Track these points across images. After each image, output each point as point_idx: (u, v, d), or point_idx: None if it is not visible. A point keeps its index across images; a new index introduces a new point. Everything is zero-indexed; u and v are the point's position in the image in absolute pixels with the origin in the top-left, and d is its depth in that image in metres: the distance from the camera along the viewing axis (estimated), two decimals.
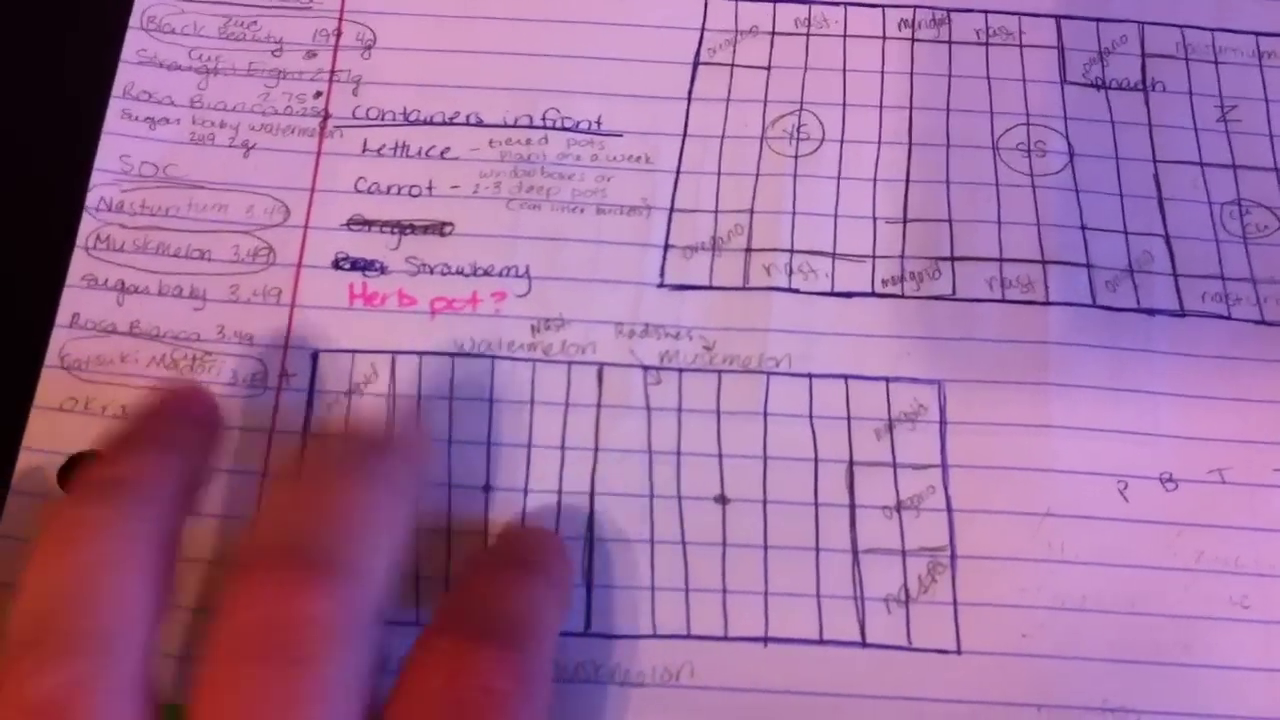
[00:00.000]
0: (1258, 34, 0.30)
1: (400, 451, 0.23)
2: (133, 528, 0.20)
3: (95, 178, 0.29)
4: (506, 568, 0.24)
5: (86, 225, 0.28)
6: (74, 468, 0.26)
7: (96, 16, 0.30)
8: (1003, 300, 0.28)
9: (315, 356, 0.27)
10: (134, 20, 0.30)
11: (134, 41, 0.30)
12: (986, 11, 0.30)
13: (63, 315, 0.27)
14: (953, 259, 0.28)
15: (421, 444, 0.25)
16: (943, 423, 0.27)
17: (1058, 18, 0.30)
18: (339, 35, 0.30)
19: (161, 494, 0.21)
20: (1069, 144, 0.29)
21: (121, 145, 0.29)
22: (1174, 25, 0.30)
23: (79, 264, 0.28)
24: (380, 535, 0.21)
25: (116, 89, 0.30)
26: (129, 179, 0.29)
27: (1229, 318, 0.28)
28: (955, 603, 0.25)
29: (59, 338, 0.27)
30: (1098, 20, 0.30)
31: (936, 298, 0.28)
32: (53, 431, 0.26)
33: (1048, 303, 0.28)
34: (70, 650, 0.19)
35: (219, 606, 0.19)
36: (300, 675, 0.18)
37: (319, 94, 0.30)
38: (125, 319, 0.27)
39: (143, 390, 0.27)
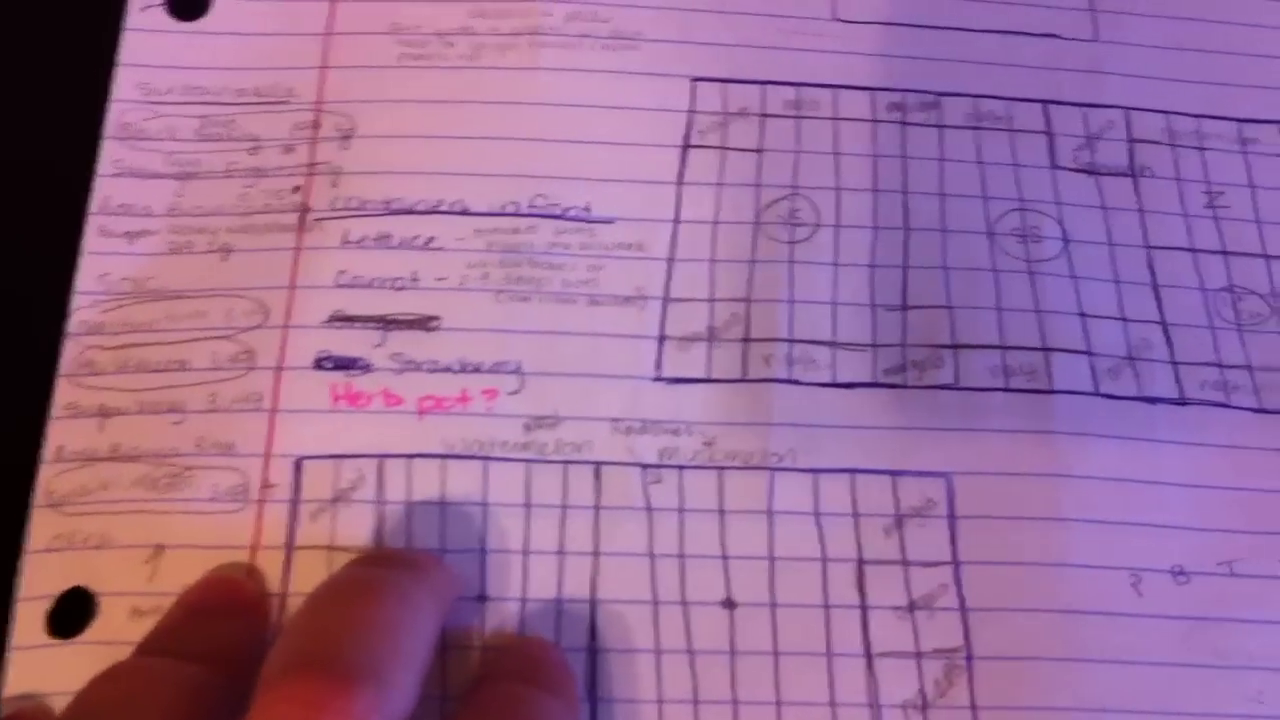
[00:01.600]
0: (1240, 120, 0.30)
1: (427, 571, 0.23)
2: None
3: (77, 300, 0.27)
4: (520, 681, 0.23)
5: (69, 350, 0.27)
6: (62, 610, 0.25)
7: (71, 127, 0.29)
8: (1007, 389, 0.27)
9: (298, 464, 0.26)
10: (109, 129, 0.29)
11: (110, 152, 0.29)
12: (976, 96, 0.30)
13: (48, 450, 0.26)
14: (954, 347, 0.28)
15: (446, 569, 0.25)
16: (952, 517, 0.26)
17: (1045, 103, 0.30)
18: (317, 127, 0.29)
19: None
20: (1063, 229, 0.29)
21: (101, 264, 0.27)
22: (1159, 111, 0.30)
23: (63, 393, 0.26)
24: (408, 649, 0.20)
25: (94, 205, 0.28)
26: (109, 297, 0.27)
27: (1228, 405, 0.28)
28: (974, 706, 0.25)
29: (45, 473, 0.26)
30: (1085, 106, 0.30)
31: (940, 387, 0.27)
32: (42, 574, 0.25)
33: (1052, 391, 0.27)
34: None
35: (250, 715, 0.19)
36: None
37: (297, 188, 0.29)
38: (106, 443, 0.26)
39: (122, 516, 0.25)
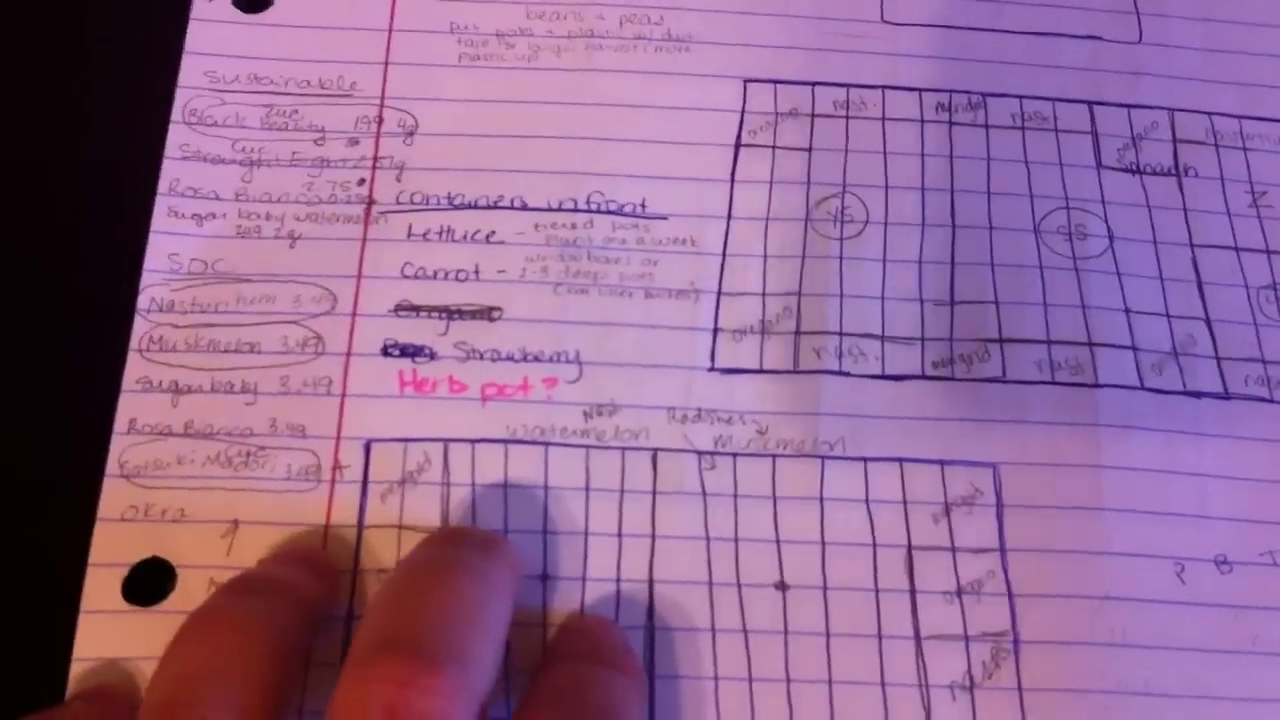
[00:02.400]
0: None
1: (501, 551, 0.23)
2: (274, 620, 0.22)
3: (145, 279, 0.28)
4: (587, 662, 0.23)
5: (139, 327, 0.28)
6: (138, 578, 0.26)
7: (138, 112, 0.30)
8: (1053, 382, 0.28)
9: (368, 446, 0.27)
10: (175, 114, 0.30)
11: (176, 136, 0.30)
12: (1021, 96, 0.31)
13: (120, 422, 0.27)
14: (1001, 341, 0.29)
15: (514, 547, 0.25)
16: (999, 506, 0.27)
17: (1090, 103, 0.31)
18: (380, 122, 0.30)
19: (302, 599, 0.23)
20: (1108, 227, 0.30)
21: (169, 244, 0.29)
22: (1203, 112, 0.31)
23: (134, 367, 0.27)
24: (488, 628, 0.21)
25: (162, 186, 0.29)
26: (178, 277, 0.28)
27: (1271, 400, 0.28)
28: (1020, 688, 0.25)
29: (117, 445, 0.27)
30: (1129, 107, 0.31)
31: (987, 380, 0.28)
32: (116, 542, 0.26)
33: (1097, 385, 0.28)
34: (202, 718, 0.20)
35: (335, 699, 0.20)
36: None
37: (362, 180, 0.30)
38: (180, 420, 0.27)
39: (199, 492, 0.26)
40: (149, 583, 0.26)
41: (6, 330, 0.28)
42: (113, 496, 0.26)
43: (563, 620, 0.26)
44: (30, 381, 0.28)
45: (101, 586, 0.25)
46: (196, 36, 0.31)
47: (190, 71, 0.31)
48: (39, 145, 0.30)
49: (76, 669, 0.25)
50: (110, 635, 0.25)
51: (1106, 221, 0.30)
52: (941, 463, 0.27)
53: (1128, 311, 0.29)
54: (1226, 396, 0.28)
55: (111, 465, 0.27)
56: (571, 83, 0.31)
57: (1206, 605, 0.26)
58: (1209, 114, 0.31)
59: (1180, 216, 0.30)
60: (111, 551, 0.26)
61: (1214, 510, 0.27)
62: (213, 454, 0.27)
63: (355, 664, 0.20)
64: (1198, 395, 0.28)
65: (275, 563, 0.25)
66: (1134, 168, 0.30)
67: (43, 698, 0.25)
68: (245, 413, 0.27)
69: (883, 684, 0.26)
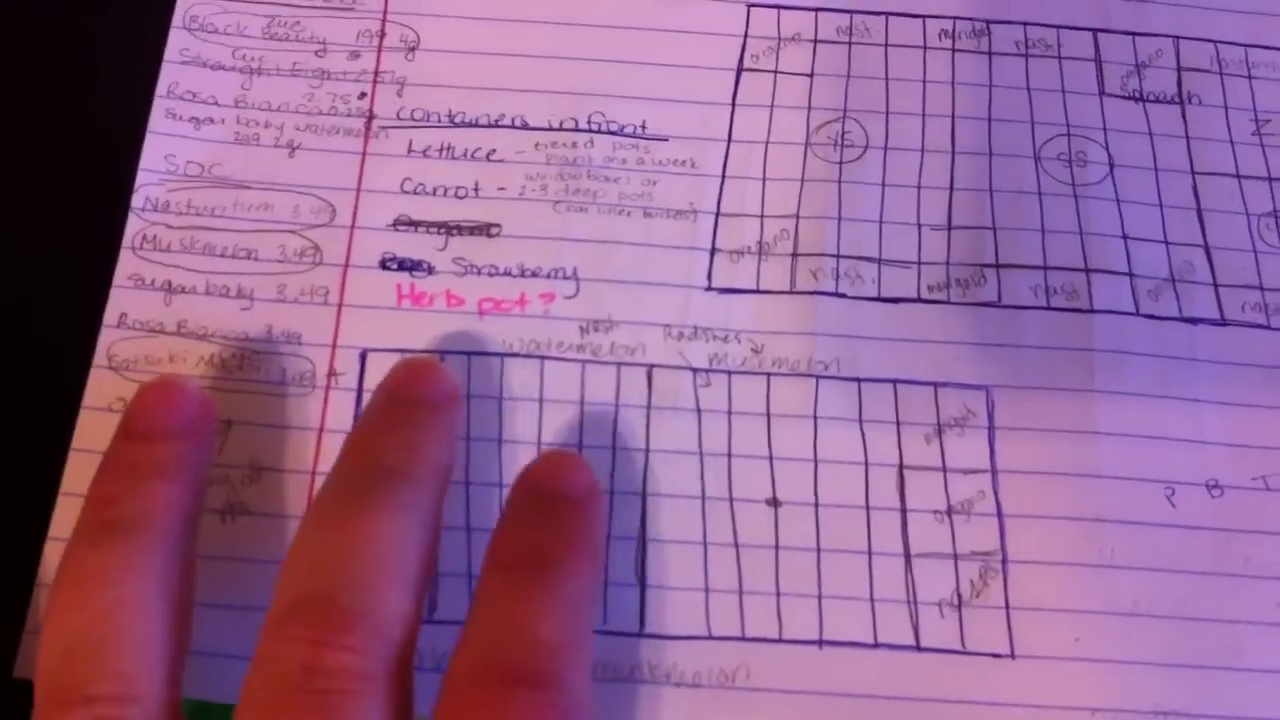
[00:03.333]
0: None
1: (421, 471, 0.22)
2: (147, 571, 0.21)
3: (141, 178, 0.28)
4: (528, 578, 0.22)
5: (133, 225, 0.28)
6: None
7: (138, 15, 0.30)
8: (1048, 308, 0.28)
9: (364, 356, 0.27)
10: (176, 19, 0.30)
11: (177, 41, 0.30)
12: (1025, 24, 0.31)
13: (110, 315, 0.27)
14: (998, 266, 0.28)
15: (444, 441, 0.24)
16: (991, 428, 0.27)
17: (1095, 31, 0.31)
18: (382, 36, 0.30)
19: (168, 529, 0.22)
20: (1109, 155, 0.30)
21: (166, 145, 0.29)
22: (1208, 40, 0.31)
23: (126, 264, 0.28)
24: (403, 572, 0.21)
25: (160, 88, 0.29)
26: (174, 179, 0.28)
27: (1269, 327, 0.28)
28: (1008, 607, 0.26)
29: (106, 337, 0.27)
30: (1134, 35, 0.31)
31: (982, 304, 0.28)
32: (102, 432, 0.26)
33: (1092, 310, 0.28)
34: (92, 695, 0.20)
35: (255, 657, 0.20)
36: None
37: (363, 95, 0.30)
38: (173, 319, 0.27)
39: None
40: None
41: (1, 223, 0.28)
42: (100, 387, 0.26)
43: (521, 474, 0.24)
44: (20, 276, 0.28)
45: (83, 473, 0.25)
46: None
47: None
48: (38, 45, 0.30)
49: (50, 550, 0.25)
50: None
51: (1107, 149, 0.30)
52: (935, 384, 0.27)
53: (1126, 238, 0.29)
54: (1223, 323, 0.28)
55: (99, 357, 0.27)
56: (575, 3, 0.31)
57: (1197, 528, 0.26)
58: (1214, 42, 0.31)
59: (1182, 144, 0.30)
60: (96, 440, 0.25)
61: (1207, 435, 0.27)
62: (206, 355, 0.27)
63: (272, 623, 0.20)
64: (1194, 321, 0.28)
65: (133, 486, 0.22)
66: (1137, 95, 0.30)
67: (14, 572, 0.25)
68: (241, 317, 0.27)
69: (872, 599, 0.26)
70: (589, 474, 0.23)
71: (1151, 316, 0.28)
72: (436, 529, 0.22)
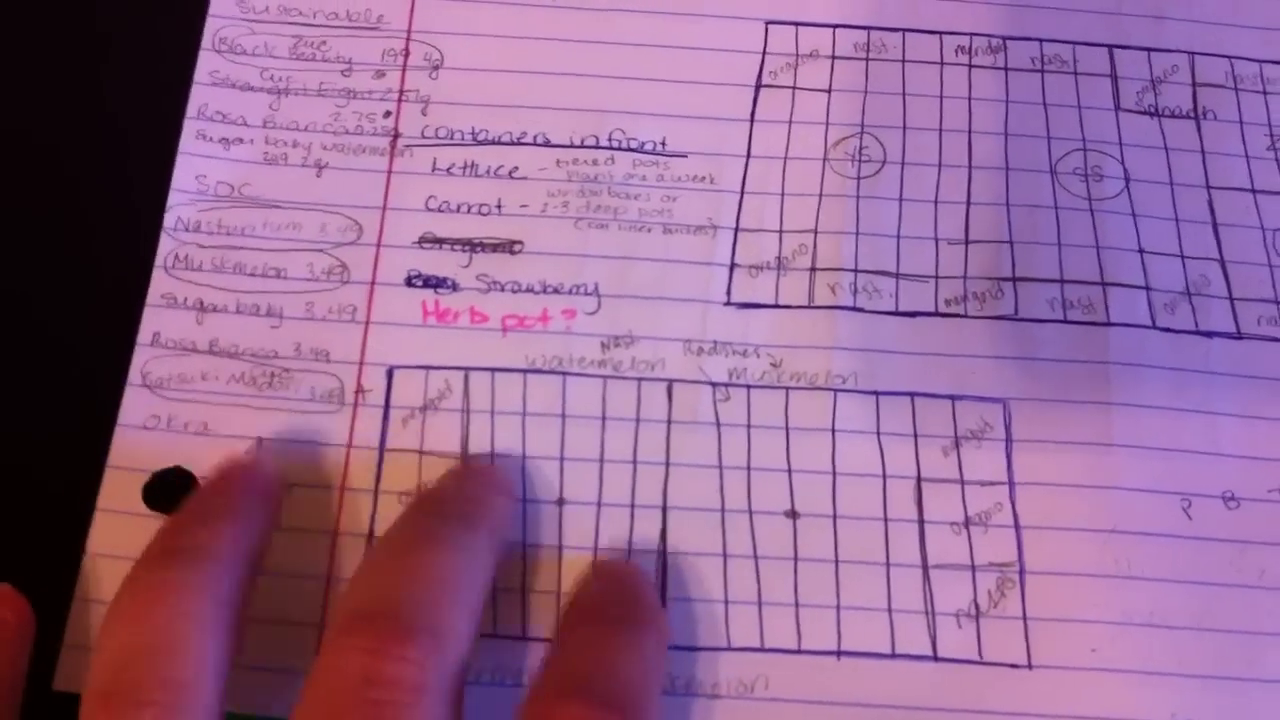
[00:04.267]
0: None
1: (481, 517, 0.24)
2: (205, 589, 0.22)
3: (172, 198, 0.29)
4: (615, 628, 0.23)
5: (165, 245, 0.29)
6: (159, 485, 0.26)
7: (169, 38, 0.31)
8: (1064, 321, 0.28)
9: (390, 373, 0.28)
10: (206, 41, 0.31)
11: (206, 63, 0.30)
12: (1041, 40, 0.31)
13: (144, 334, 0.28)
14: (1014, 280, 0.29)
15: (504, 509, 0.26)
16: (1008, 440, 0.27)
17: (1110, 47, 0.31)
18: (407, 55, 0.31)
19: (230, 560, 0.23)
20: (1125, 169, 0.30)
21: (197, 165, 0.29)
22: (1223, 56, 0.31)
23: (159, 283, 0.28)
24: (463, 598, 0.22)
25: (191, 109, 0.30)
26: (205, 199, 0.29)
27: None
28: (1025, 617, 0.26)
29: (140, 356, 0.28)
30: (1149, 50, 0.31)
31: (1000, 317, 0.28)
32: (137, 449, 0.27)
33: (1108, 323, 0.28)
34: (144, 701, 0.20)
35: (314, 667, 0.21)
36: None
37: (388, 113, 0.30)
38: (205, 337, 0.28)
39: (223, 408, 0.27)
40: (173, 493, 0.26)
41: (37, 242, 0.29)
42: (134, 405, 0.27)
43: (596, 568, 0.26)
44: (55, 295, 0.28)
45: (119, 490, 0.26)
46: None
47: (221, 1, 0.31)
48: (70, 66, 0.31)
49: (88, 564, 0.26)
50: (127, 536, 0.25)
51: (1123, 163, 0.30)
52: (952, 398, 0.28)
53: (1142, 252, 0.29)
54: (1239, 336, 0.28)
55: (134, 375, 0.27)
56: (596, 21, 0.31)
57: (1213, 540, 0.27)
58: (1229, 57, 0.31)
59: (1198, 159, 0.30)
60: (131, 457, 0.26)
61: (1223, 447, 0.27)
62: (237, 373, 0.27)
63: (334, 634, 0.21)
64: (1210, 335, 0.28)
65: (200, 523, 0.24)
66: (1153, 110, 0.31)
67: (52, 587, 0.25)
68: (270, 335, 0.28)
69: (890, 610, 0.26)
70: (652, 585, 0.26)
71: (1168, 330, 0.28)
72: (492, 576, 0.24)
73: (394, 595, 0.21)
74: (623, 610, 0.24)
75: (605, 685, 0.21)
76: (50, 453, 0.27)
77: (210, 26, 0.31)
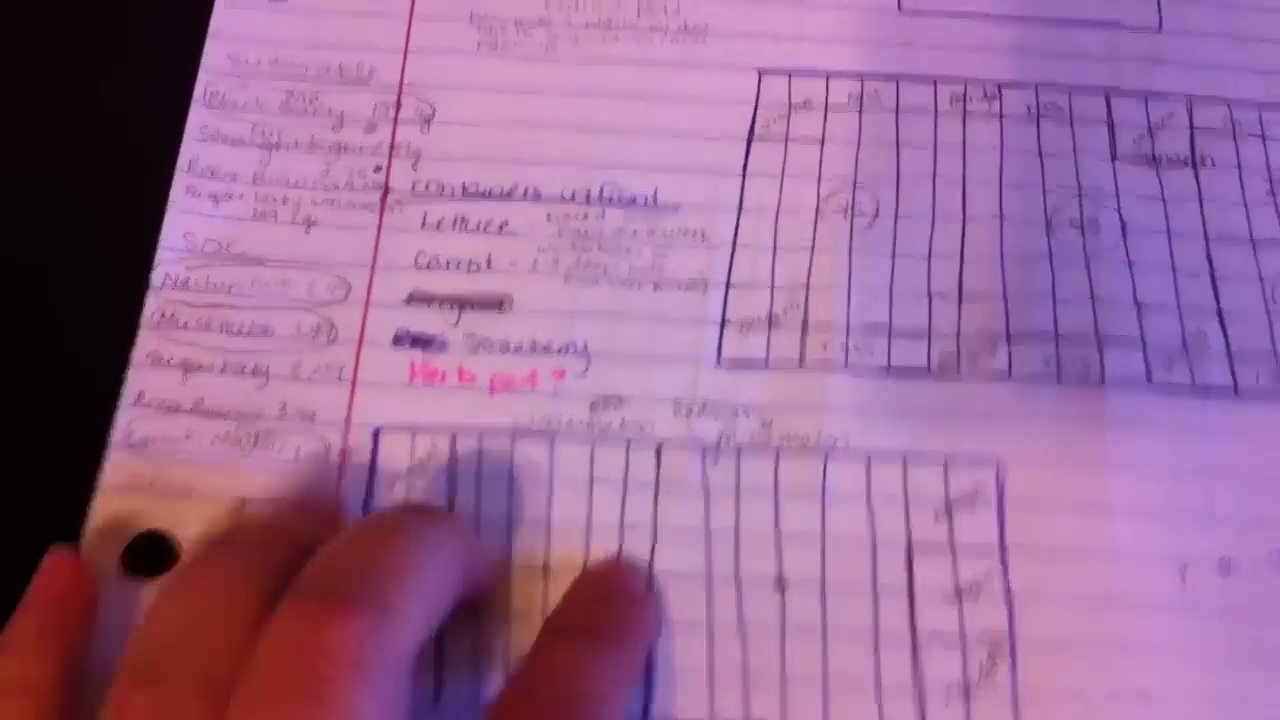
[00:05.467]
0: None
1: (448, 521, 0.25)
2: (250, 578, 0.22)
3: (161, 255, 0.29)
4: (581, 640, 0.24)
5: (152, 303, 0.29)
6: (138, 548, 0.26)
7: (160, 92, 0.31)
8: (1059, 380, 0.28)
9: (377, 434, 0.28)
10: (198, 95, 0.31)
11: (197, 117, 0.31)
12: (1037, 86, 0.31)
13: (129, 394, 0.28)
14: (1008, 337, 0.28)
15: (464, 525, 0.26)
16: (1001, 502, 0.27)
17: (1107, 93, 0.31)
18: (398, 108, 0.31)
19: (273, 559, 0.23)
20: (1121, 219, 0.29)
21: (186, 222, 0.29)
22: (1222, 99, 0.31)
23: (145, 342, 0.28)
24: (414, 583, 0.22)
25: (181, 164, 0.30)
26: (194, 256, 0.29)
27: None
28: (1015, 689, 0.26)
29: (125, 416, 0.28)
30: (1146, 95, 0.31)
31: (993, 378, 0.28)
32: (119, 511, 0.27)
33: (1104, 383, 0.28)
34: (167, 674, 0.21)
35: (264, 634, 0.20)
36: (320, 702, 0.19)
37: (379, 168, 0.30)
38: (189, 397, 0.28)
39: (207, 469, 0.27)
40: (154, 556, 0.26)
41: (21, 301, 0.29)
42: (118, 466, 0.27)
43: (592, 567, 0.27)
44: (40, 352, 0.29)
45: (100, 553, 0.26)
46: (221, 20, 0.32)
47: (214, 54, 0.31)
48: (60, 121, 0.31)
49: None
50: (106, 603, 0.25)
51: (1120, 213, 0.29)
52: (945, 459, 0.27)
53: (1138, 305, 0.29)
54: (1236, 393, 0.28)
55: (118, 436, 0.27)
56: (588, 73, 0.31)
57: (1208, 610, 0.26)
58: (1228, 102, 0.31)
59: (1196, 208, 0.30)
60: (113, 519, 0.26)
61: (1220, 510, 0.27)
62: (222, 433, 0.27)
63: (284, 603, 0.21)
64: (1206, 391, 0.28)
65: (273, 512, 0.25)
66: (1150, 158, 0.30)
67: None
68: (256, 395, 0.28)
69: (878, 685, 0.26)
70: (641, 579, 0.27)
71: (1165, 386, 0.28)
72: (454, 576, 0.23)
73: (344, 571, 0.21)
74: (595, 625, 0.25)
75: (564, 690, 0.23)
76: (34, 514, 0.27)
77: (201, 81, 0.31)
